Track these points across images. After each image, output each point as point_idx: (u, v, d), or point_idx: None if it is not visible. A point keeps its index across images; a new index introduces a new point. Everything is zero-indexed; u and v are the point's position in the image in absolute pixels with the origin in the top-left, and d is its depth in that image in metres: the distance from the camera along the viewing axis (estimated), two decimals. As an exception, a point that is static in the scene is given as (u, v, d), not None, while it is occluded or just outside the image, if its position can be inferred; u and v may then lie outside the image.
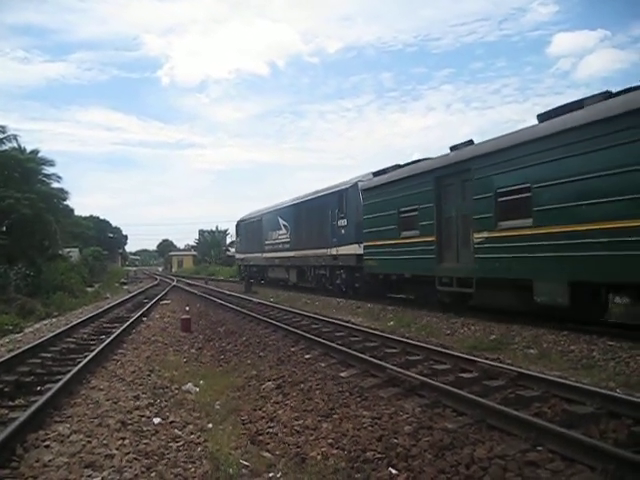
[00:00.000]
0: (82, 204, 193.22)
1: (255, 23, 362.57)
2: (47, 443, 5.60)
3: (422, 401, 7.07)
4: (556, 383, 7.32)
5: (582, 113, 11.37)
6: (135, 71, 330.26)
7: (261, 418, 6.90)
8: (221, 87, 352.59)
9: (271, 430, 6.37)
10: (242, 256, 42.88)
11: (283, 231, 32.27)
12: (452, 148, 16.08)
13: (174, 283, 42.03)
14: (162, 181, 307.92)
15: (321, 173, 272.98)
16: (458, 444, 5.39)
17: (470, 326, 13.33)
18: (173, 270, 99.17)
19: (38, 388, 8.04)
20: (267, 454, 5.70)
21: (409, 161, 19.14)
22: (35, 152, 37.79)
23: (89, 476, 4.83)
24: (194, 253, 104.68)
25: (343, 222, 23.58)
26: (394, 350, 10.58)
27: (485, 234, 13.82)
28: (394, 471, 4.96)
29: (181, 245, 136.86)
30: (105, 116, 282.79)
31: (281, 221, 32.63)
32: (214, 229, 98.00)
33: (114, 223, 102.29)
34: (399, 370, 8.21)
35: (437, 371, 8.66)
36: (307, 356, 10.57)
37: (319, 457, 5.40)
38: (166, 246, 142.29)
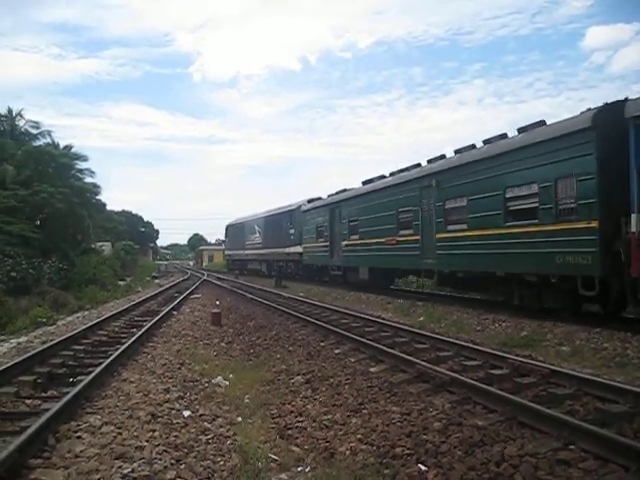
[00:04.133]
0: (114, 199, 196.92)
1: (287, 18, 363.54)
2: (79, 434, 5.66)
3: (452, 397, 7.02)
4: (589, 381, 7.22)
5: (369, 186, 24.20)
6: (167, 67, 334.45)
7: (290, 412, 6.94)
8: (252, 82, 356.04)
9: (300, 424, 6.40)
10: (230, 252, 57.30)
11: (257, 235, 44.53)
12: (337, 192, 28.74)
13: (204, 277, 42.30)
14: (193, 176, 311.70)
15: (351, 167, 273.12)
16: (488, 441, 5.34)
17: (501, 322, 13.20)
18: (204, 264, 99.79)
19: (70, 380, 8.16)
20: (296, 448, 5.72)
21: (331, 192, 30.06)
22: (69, 147, 38.44)
23: (119, 467, 4.88)
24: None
25: (292, 231, 35.24)
26: (424, 346, 10.52)
27: (346, 242, 26.00)
28: (423, 467, 4.94)
29: (212, 239, 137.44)
30: (137, 112, 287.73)
31: (256, 227, 44.74)
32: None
33: (146, 217, 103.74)
34: (429, 366, 8.17)
35: (467, 367, 8.59)
36: (337, 351, 10.56)
37: (348, 452, 5.41)
38: (197, 240, 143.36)
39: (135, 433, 5.77)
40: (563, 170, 12.55)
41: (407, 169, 20.78)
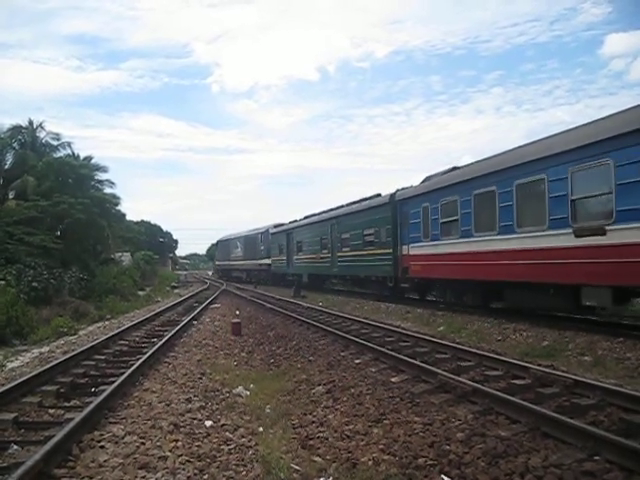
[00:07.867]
0: (134, 209, 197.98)
1: (304, 29, 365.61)
2: (102, 444, 5.73)
3: (474, 408, 6.98)
4: (612, 391, 7.14)
5: (306, 220, 37.31)
6: (185, 78, 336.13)
7: (311, 422, 6.92)
8: (270, 93, 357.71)
9: (322, 435, 6.37)
10: (219, 262, 70.93)
11: (239, 249, 56.45)
12: (290, 222, 40.82)
13: (224, 287, 42.45)
14: (211, 186, 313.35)
15: (368, 177, 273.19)
16: (512, 452, 5.29)
17: (522, 332, 13.10)
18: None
19: (92, 390, 8.23)
20: (318, 459, 5.70)
21: (292, 219, 42.01)
22: (88, 158, 38.89)
23: (143, 477, 4.92)
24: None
25: (262, 247, 47.06)
26: (445, 356, 10.48)
27: (295, 257, 37.90)
28: (446, 478, 4.91)
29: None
30: (156, 122, 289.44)
31: (238, 243, 56.77)
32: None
33: (165, 228, 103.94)
34: (450, 376, 8.12)
35: (489, 377, 8.55)
36: (357, 361, 10.53)
37: (370, 462, 5.38)
38: (215, 250, 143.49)
39: (158, 443, 5.81)
40: (381, 222, 23.97)
41: (325, 212, 33.27)
